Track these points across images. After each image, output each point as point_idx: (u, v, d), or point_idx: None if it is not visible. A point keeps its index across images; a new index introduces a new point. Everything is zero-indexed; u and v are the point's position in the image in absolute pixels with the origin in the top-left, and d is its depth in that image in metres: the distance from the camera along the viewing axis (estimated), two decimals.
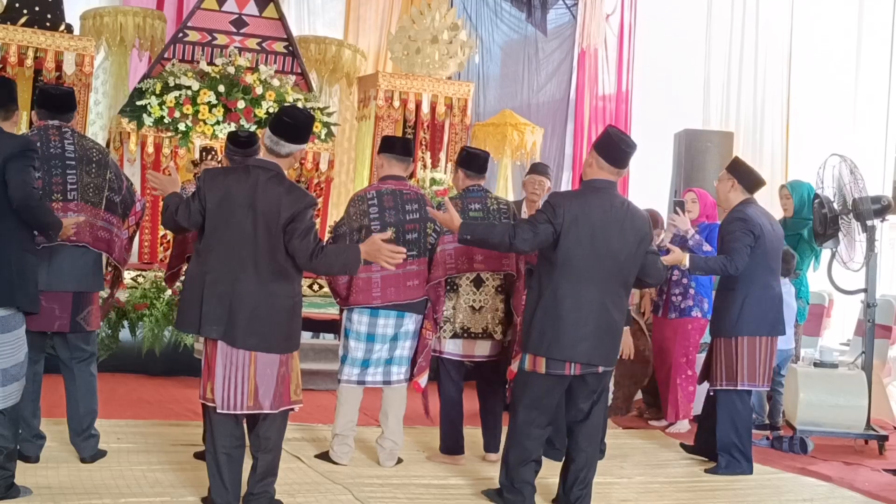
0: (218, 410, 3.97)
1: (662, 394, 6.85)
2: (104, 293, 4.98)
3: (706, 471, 5.57)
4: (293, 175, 8.86)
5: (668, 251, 5.53)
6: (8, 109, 4.25)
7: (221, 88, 9.06)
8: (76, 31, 9.48)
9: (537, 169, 6.52)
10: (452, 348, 5.30)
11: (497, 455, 5.09)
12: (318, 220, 9.26)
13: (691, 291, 6.58)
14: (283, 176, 4.09)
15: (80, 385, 4.72)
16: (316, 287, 8.89)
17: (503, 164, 11.00)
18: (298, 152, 4.14)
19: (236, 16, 9.69)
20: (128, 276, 7.81)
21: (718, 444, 5.53)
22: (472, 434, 5.57)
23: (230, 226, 3.97)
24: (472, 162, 5.42)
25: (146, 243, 8.99)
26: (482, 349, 5.33)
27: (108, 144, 9.17)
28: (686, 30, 12.38)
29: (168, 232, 7.70)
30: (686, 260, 5.45)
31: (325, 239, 5.48)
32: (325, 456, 5.15)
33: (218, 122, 9.06)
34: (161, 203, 4.81)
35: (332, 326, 7.57)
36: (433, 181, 9.44)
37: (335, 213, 9.80)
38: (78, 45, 9.06)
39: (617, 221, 4.39)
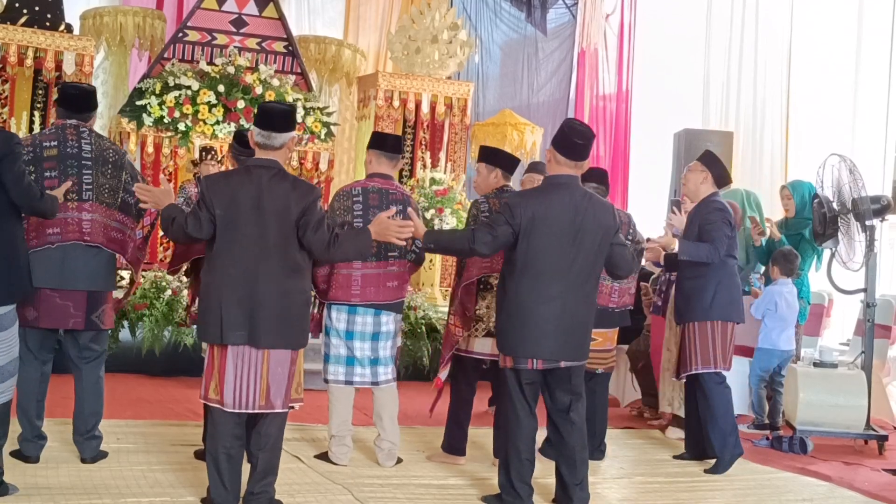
0: (227, 410, 3.97)
1: (661, 394, 6.85)
2: (119, 293, 4.99)
3: (706, 471, 5.56)
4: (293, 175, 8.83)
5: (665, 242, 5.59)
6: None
7: (221, 88, 9.06)
8: (76, 31, 9.49)
9: (536, 168, 6.50)
10: (480, 348, 5.26)
11: None
12: None
13: None
14: (286, 172, 4.11)
15: (86, 386, 4.73)
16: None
17: None
18: (291, 141, 4.15)
19: (236, 15, 9.70)
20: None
21: (711, 432, 5.55)
22: (478, 434, 5.57)
23: (240, 229, 3.96)
24: (508, 162, 5.34)
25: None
26: None
27: None
28: (686, 29, 12.39)
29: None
30: (676, 244, 5.48)
31: None
32: (324, 456, 5.15)
33: (218, 122, 9.07)
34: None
35: None
36: (433, 181, 9.44)
37: None
38: (78, 45, 9.07)
39: (578, 216, 4.38)
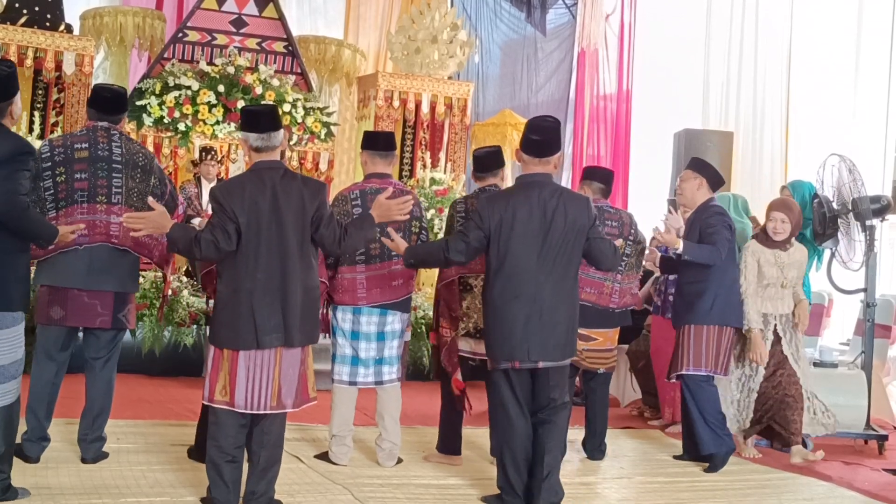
0: (238, 411, 3.98)
1: (661, 394, 6.86)
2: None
3: (705, 470, 5.57)
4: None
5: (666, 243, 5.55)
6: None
7: (221, 88, 9.06)
8: (76, 31, 9.49)
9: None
10: (464, 346, 5.28)
11: None
12: None
13: None
14: (292, 171, 4.17)
15: (100, 385, 4.75)
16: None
17: None
18: (284, 139, 4.19)
19: (236, 16, 9.70)
20: None
21: (701, 432, 5.55)
22: (476, 434, 5.57)
23: (263, 233, 3.97)
24: (477, 163, 5.38)
25: None
26: None
27: None
28: (686, 29, 12.40)
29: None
30: (680, 244, 5.47)
31: None
32: (324, 456, 5.15)
33: (218, 122, 9.07)
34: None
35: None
36: (433, 181, 9.44)
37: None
38: (78, 45, 9.07)
39: (547, 214, 4.37)
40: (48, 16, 9.11)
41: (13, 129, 4.13)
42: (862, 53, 11.03)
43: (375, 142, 5.22)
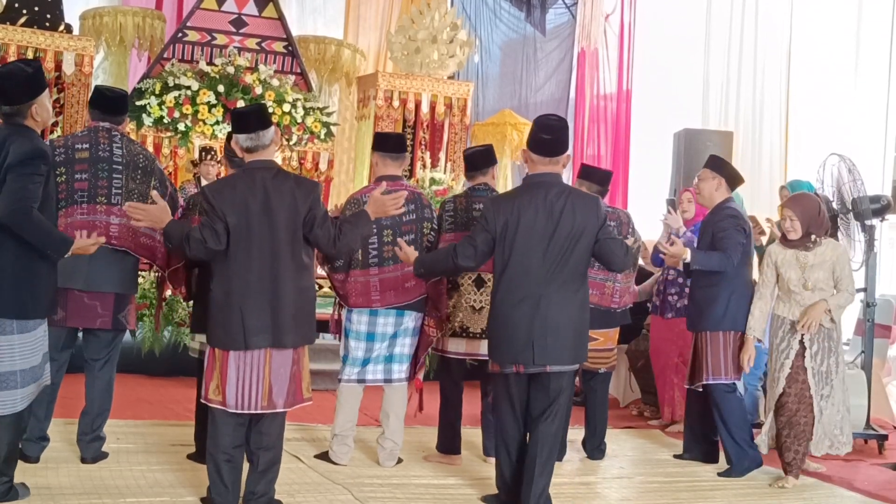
0: (231, 411, 3.97)
1: (660, 393, 6.86)
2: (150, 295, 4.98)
3: (719, 474, 5.51)
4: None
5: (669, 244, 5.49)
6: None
7: (221, 88, 9.06)
8: (76, 31, 9.49)
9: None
10: (454, 347, 5.28)
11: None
12: None
13: (687, 291, 6.56)
14: (285, 170, 4.16)
15: (100, 385, 4.75)
16: (316, 287, 8.89)
17: (502, 164, 10.99)
18: (277, 136, 4.18)
19: (236, 16, 9.70)
20: None
21: (725, 442, 5.51)
22: (475, 434, 5.57)
23: (253, 234, 3.96)
24: (468, 162, 5.40)
25: None
26: (485, 349, 5.31)
27: None
28: (685, 29, 12.39)
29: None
30: (688, 254, 5.41)
31: None
32: (324, 456, 5.15)
33: (217, 122, 9.07)
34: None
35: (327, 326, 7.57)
36: (433, 181, 9.45)
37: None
38: (77, 45, 9.07)
39: (553, 215, 4.29)
40: (48, 16, 9.11)
41: (38, 131, 4.01)
42: (862, 53, 11.01)
43: (385, 143, 5.20)
